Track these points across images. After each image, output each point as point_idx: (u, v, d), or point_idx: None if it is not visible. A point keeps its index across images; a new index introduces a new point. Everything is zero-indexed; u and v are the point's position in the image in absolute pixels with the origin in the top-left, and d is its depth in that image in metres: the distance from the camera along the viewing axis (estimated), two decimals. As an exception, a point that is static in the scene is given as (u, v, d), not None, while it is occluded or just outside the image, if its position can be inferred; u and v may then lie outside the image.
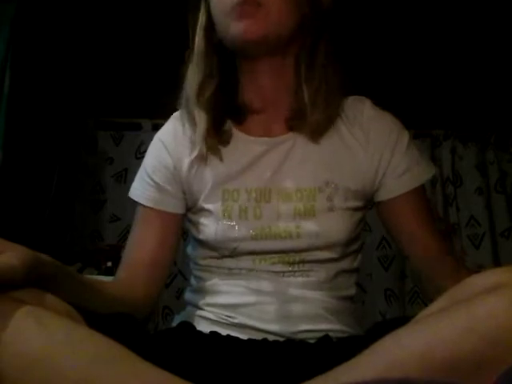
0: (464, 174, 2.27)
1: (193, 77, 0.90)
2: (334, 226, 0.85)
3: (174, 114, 0.98)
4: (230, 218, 0.86)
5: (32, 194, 1.90)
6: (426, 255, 0.88)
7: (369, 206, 0.93)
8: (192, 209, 0.91)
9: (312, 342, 0.80)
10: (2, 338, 0.51)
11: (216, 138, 0.88)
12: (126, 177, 2.19)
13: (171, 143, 0.93)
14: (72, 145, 2.17)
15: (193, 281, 0.96)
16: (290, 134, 0.88)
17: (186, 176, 0.90)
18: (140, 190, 0.94)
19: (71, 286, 0.66)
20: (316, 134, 0.86)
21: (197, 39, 0.92)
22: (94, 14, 2.11)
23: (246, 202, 0.86)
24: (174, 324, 0.88)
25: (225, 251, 0.87)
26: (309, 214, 0.85)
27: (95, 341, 0.54)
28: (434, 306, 0.59)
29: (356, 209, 0.88)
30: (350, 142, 0.88)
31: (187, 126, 0.92)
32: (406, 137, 0.90)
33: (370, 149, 0.87)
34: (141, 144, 2.20)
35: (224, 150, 0.88)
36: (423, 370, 0.51)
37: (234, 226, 0.86)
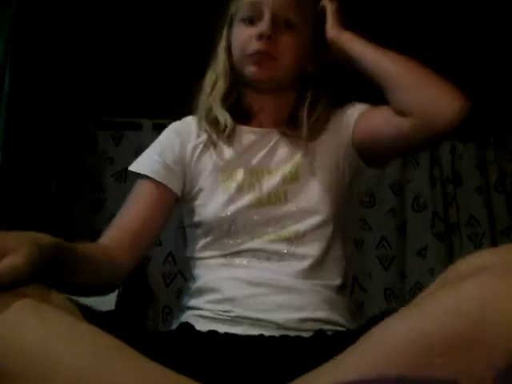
0: (464, 174, 2.27)
1: (218, 88, 1.06)
2: (316, 185, 0.98)
3: (173, 124, 1.14)
4: (227, 193, 0.98)
5: (32, 194, 1.90)
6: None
7: (358, 175, 1.06)
8: (190, 193, 1.02)
9: (306, 336, 0.84)
10: (4, 333, 0.52)
11: (222, 131, 1.03)
12: (126, 176, 2.18)
13: (180, 131, 1.08)
14: (72, 144, 2.17)
15: (190, 284, 1.01)
16: (275, 130, 1.04)
17: (189, 158, 1.03)
18: (147, 164, 1.04)
19: (68, 261, 0.69)
20: (306, 140, 1.02)
21: (220, 59, 1.08)
22: (94, 14, 2.12)
23: (241, 180, 0.99)
24: (174, 327, 0.90)
25: (223, 226, 0.95)
26: (294, 179, 0.99)
27: (95, 336, 0.55)
28: (425, 293, 0.60)
29: (337, 173, 1.01)
30: (330, 132, 1.04)
31: (199, 125, 1.07)
32: (348, 105, 1.07)
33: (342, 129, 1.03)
34: (141, 144, 2.20)
35: (222, 138, 1.03)
36: (414, 354, 0.52)
37: (231, 199, 0.97)
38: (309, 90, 1.05)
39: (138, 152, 2.21)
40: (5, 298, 0.54)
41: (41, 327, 0.53)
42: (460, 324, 0.51)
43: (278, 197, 0.97)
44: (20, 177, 1.81)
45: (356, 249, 2.15)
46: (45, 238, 0.64)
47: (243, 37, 1.01)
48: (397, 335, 0.54)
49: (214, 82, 1.06)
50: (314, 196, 0.97)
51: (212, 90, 1.06)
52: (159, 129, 2.43)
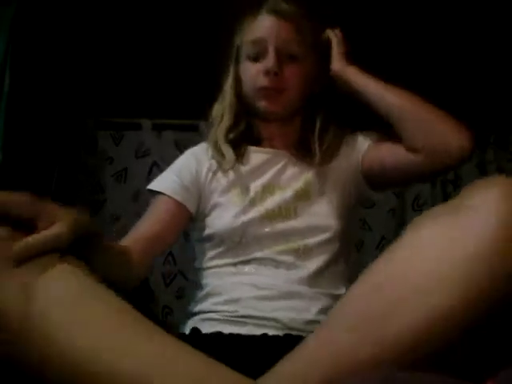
0: (464, 174, 2.27)
1: (223, 123, 1.12)
2: (326, 204, 1.03)
3: (191, 148, 1.19)
4: (240, 206, 1.03)
5: (32, 194, 1.89)
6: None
7: (362, 197, 1.13)
8: (204, 211, 1.07)
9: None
10: (42, 292, 0.56)
11: (237, 154, 1.09)
12: (125, 176, 2.18)
13: (197, 155, 1.14)
14: (72, 144, 2.17)
15: (198, 292, 1.04)
16: (286, 152, 1.10)
17: (203, 179, 1.09)
18: (166, 183, 1.08)
19: (100, 248, 0.73)
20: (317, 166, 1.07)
21: (226, 94, 1.13)
22: (94, 14, 2.11)
23: (253, 195, 1.04)
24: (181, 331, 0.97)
25: (234, 238, 1.00)
26: (304, 197, 1.04)
27: (121, 306, 0.59)
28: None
29: (346, 195, 1.06)
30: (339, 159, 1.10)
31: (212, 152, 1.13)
32: (359, 133, 1.13)
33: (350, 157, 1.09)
34: (141, 144, 2.20)
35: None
36: (380, 294, 0.53)
37: (243, 211, 1.02)
38: (317, 114, 1.10)
39: (137, 152, 2.25)
40: (45, 259, 0.58)
41: (78, 288, 0.58)
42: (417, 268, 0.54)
43: (288, 211, 1.02)
44: (20, 176, 1.81)
45: (356, 249, 2.15)
46: (87, 219, 0.69)
47: (251, 72, 1.06)
48: (385, 274, 0.55)
49: (221, 115, 1.12)
50: (323, 214, 1.02)
51: (219, 123, 1.12)
52: (159, 129, 2.45)
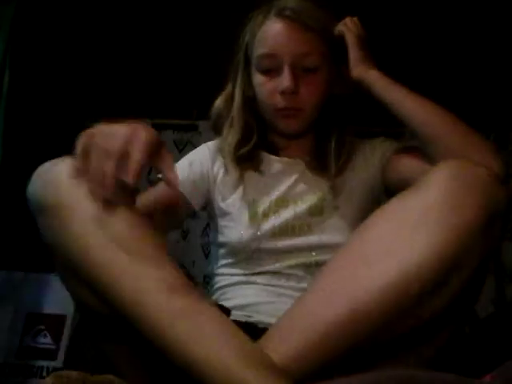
0: (463, 173, 2.27)
1: (232, 136, 1.07)
2: (339, 221, 0.99)
3: (208, 142, 1.15)
4: (253, 219, 1.00)
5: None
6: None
7: (374, 205, 1.06)
8: (217, 210, 1.05)
9: None
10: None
11: (250, 163, 1.06)
12: (125, 176, 2.18)
13: (213, 152, 1.10)
14: (71, 145, 2.17)
15: (209, 295, 1.04)
16: (305, 157, 1.07)
17: (214, 176, 1.07)
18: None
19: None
20: (333, 180, 1.04)
21: (236, 102, 1.07)
22: (94, 14, 2.11)
23: (267, 208, 1.01)
24: None
25: (248, 252, 0.98)
26: (318, 213, 1.00)
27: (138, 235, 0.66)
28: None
29: (360, 208, 1.02)
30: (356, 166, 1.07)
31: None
32: (378, 140, 1.09)
33: (369, 166, 1.06)
34: (140, 143, 2.20)
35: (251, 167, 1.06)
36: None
37: (257, 226, 0.99)
38: (332, 124, 1.06)
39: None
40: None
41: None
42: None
43: (302, 228, 0.99)
44: (19, 176, 1.81)
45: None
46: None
47: (266, 90, 1.01)
48: (372, 247, 0.66)
49: (230, 123, 1.08)
50: (336, 231, 0.99)
51: (228, 133, 1.07)
52: (158, 129, 2.45)
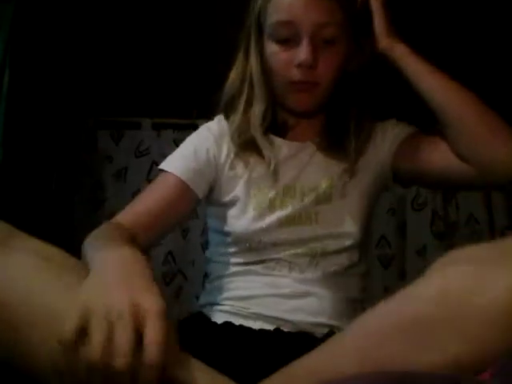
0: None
1: (256, 107, 0.98)
2: (347, 209, 0.95)
3: (209, 124, 1.05)
4: (259, 209, 0.95)
5: (31, 193, 1.90)
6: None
7: (381, 192, 1.04)
8: (222, 198, 0.99)
9: (319, 336, 0.87)
10: (14, 280, 0.59)
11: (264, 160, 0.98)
12: (125, 175, 2.18)
13: (216, 134, 1.01)
14: (71, 143, 2.17)
15: (208, 285, 1.02)
16: (310, 143, 1.00)
17: (223, 162, 0.98)
18: (178, 162, 0.98)
19: None
20: (352, 164, 0.98)
21: (255, 77, 0.98)
22: (94, 12, 2.11)
23: (274, 196, 0.96)
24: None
25: (251, 243, 0.94)
26: (326, 200, 0.95)
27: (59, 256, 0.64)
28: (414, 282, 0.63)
29: (367, 195, 0.98)
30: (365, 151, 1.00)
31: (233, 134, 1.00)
32: (390, 123, 1.02)
33: (378, 150, 1.00)
34: (140, 143, 2.20)
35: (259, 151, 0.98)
36: (395, 337, 0.54)
37: (262, 216, 0.94)
38: (349, 106, 0.98)
39: (137, 151, 2.25)
40: (22, 256, 0.61)
41: (58, 286, 0.59)
42: (440, 311, 0.53)
43: (308, 217, 0.95)
44: (20, 176, 1.81)
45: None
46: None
47: (281, 61, 0.92)
48: (380, 319, 0.57)
49: (247, 100, 0.98)
50: (344, 220, 0.95)
51: (245, 109, 0.98)
52: (159, 128, 2.45)
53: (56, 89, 2.03)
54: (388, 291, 2.18)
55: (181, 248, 2.11)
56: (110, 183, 2.19)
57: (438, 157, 0.91)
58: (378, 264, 2.19)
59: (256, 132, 0.97)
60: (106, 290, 0.57)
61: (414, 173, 0.97)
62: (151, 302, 0.56)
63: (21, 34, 1.76)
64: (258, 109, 0.97)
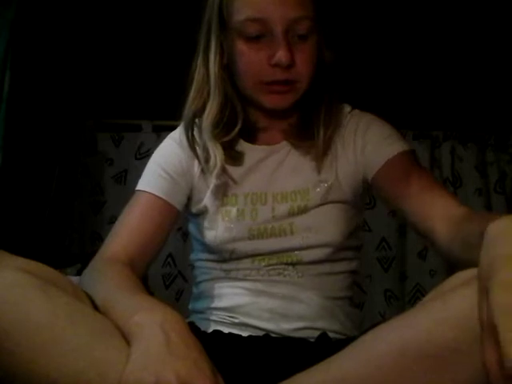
0: (464, 175, 2.27)
1: (208, 112, 0.91)
2: (325, 219, 0.89)
3: (172, 135, 1.00)
4: (228, 220, 0.91)
5: (32, 195, 1.90)
6: (430, 213, 0.81)
7: (364, 202, 0.98)
8: (196, 206, 0.95)
9: (311, 340, 0.84)
10: (8, 303, 0.57)
11: (228, 155, 0.92)
12: (125, 178, 2.18)
13: (184, 144, 0.95)
14: (71, 146, 2.17)
15: (194, 289, 1.00)
16: (285, 142, 0.94)
17: (196, 170, 0.94)
18: (151, 181, 0.94)
19: None
20: (319, 153, 0.91)
21: (211, 73, 0.92)
22: (94, 15, 2.12)
23: (243, 205, 0.91)
24: None
25: (224, 254, 0.91)
26: (302, 211, 0.89)
27: (93, 316, 0.62)
28: (418, 304, 0.62)
29: (347, 202, 0.92)
30: (340, 146, 0.93)
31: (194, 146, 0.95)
32: (375, 124, 0.93)
33: (357, 148, 0.92)
34: (141, 145, 2.20)
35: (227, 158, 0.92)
36: (400, 361, 0.54)
37: (231, 227, 0.90)
38: (321, 93, 0.92)
39: (137, 153, 2.24)
40: (14, 273, 0.59)
41: (46, 302, 0.58)
42: (445, 332, 0.52)
43: (282, 229, 0.89)
44: (20, 178, 1.81)
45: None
46: None
47: (252, 60, 0.85)
48: (385, 343, 0.56)
49: (204, 99, 0.93)
50: (321, 229, 0.88)
51: (201, 108, 0.93)
52: (159, 130, 2.45)
53: (56, 91, 2.03)
54: (388, 293, 2.17)
55: (181, 250, 2.10)
56: (109, 186, 2.19)
57: (423, 220, 0.83)
58: (379, 266, 2.18)
59: (207, 137, 0.90)
60: (153, 366, 0.55)
61: (389, 204, 0.92)
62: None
63: (22, 36, 1.76)
64: (210, 112, 0.91)
